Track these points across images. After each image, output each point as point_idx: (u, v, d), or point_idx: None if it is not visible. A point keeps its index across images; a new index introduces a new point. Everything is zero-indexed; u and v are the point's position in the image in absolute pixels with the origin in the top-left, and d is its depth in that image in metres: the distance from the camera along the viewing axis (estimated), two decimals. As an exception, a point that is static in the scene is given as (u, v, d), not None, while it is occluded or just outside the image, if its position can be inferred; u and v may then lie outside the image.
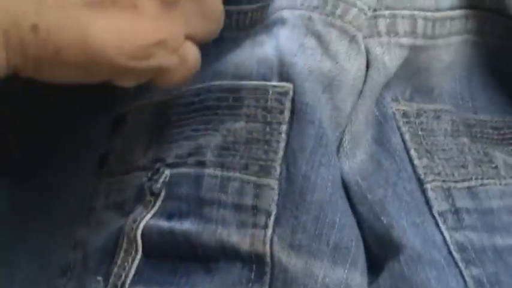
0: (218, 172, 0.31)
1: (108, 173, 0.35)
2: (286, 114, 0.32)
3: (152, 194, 0.32)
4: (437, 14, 0.35)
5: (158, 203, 0.32)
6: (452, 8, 0.36)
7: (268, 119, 0.32)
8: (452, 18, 0.36)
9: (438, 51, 0.36)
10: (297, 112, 0.32)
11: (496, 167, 0.34)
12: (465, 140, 0.35)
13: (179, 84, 0.31)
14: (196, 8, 0.29)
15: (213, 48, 0.33)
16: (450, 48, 0.36)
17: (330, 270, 0.29)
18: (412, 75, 0.35)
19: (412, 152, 0.33)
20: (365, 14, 0.34)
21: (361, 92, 0.33)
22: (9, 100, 0.38)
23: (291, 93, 0.32)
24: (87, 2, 0.25)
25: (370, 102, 0.34)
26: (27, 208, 0.39)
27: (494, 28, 0.37)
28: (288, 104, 0.32)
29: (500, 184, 0.34)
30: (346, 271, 0.30)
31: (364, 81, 0.33)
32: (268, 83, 0.32)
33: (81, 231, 0.35)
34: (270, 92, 0.32)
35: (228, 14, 0.32)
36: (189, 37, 0.29)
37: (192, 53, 0.30)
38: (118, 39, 0.26)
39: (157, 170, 0.33)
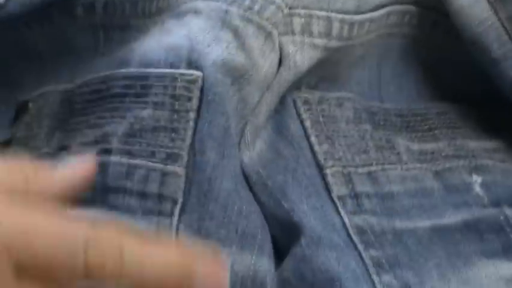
0: (124, 160, 0.31)
1: None
2: (195, 102, 0.31)
3: None
4: (357, 17, 0.35)
5: None
6: (374, 9, 0.36)
7: (176, 107, 0.31)
8: (372, 20, 0.36)
9: (352, 48, 0.36)
10: (206, 101, 0.31)
11: (398, 153, 0.35)
12: (367, 127, 0.35)
13: None
14: None
15: (117, 35, 0.32)
16: (364, 44, 0.36)
17: (238, 257, 0.30)
18: (320, 69, 0.36)
19: (313, 139, 0.33)
20: (282, 11, 0.34)
21: (268, 86, 0.34)
22: None
23: (200, 81, 0.31)
24: None
25: (276, 97, 0.34)
26: None
27: (412, 20, 0.38)
28: (196, 92, 0.31)
29: (401, 169, 0.34)
30: (254, 257, 0.30)
31: (274, 77, 0.34)
32: (176, 70, 0.32)
33: None
34: (179, 79, 0.32)
35: (133, 1, 0.32)
36: None
37: None
38: None
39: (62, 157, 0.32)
